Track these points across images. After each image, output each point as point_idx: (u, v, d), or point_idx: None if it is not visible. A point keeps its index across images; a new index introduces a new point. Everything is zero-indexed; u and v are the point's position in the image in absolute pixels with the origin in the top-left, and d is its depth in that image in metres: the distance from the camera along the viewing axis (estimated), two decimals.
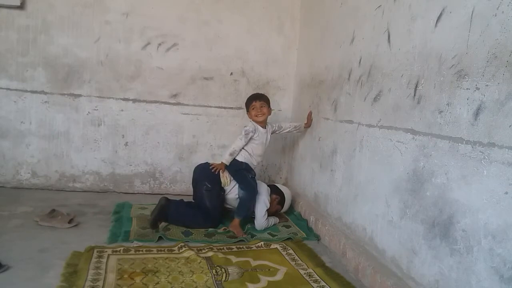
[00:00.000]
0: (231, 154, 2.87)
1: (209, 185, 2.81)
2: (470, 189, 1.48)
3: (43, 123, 3.38)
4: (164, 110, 3.58)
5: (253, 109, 2.91)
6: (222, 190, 2.88)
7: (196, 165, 3.02)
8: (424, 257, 1.72)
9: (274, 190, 3.09)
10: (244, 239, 2.60)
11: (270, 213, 2.97)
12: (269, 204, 2.90)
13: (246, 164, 2.90)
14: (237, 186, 2.87)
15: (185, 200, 2.91)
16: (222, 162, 2.88)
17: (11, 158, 3.36)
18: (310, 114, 3.21)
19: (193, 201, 2.93)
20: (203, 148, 3.70)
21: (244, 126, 2.92)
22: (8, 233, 2.38)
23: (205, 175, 2.86)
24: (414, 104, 1.85)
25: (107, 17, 3.39)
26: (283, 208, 3.15)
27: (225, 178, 2.86)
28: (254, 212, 2.87)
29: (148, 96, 3.54)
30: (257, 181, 2.96)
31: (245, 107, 3.04)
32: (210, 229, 2.73)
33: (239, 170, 2.86)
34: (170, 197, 2.83)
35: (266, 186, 3.01)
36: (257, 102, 2.92)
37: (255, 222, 2.85)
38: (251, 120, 2.96)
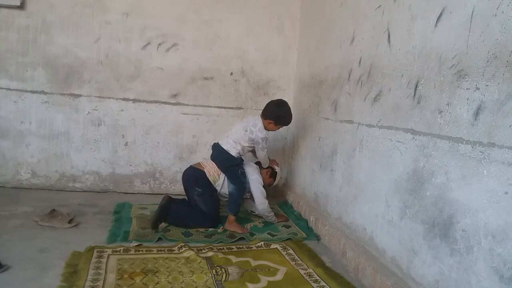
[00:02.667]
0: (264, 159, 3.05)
1: (199, 190, 2.80)
2: (470, 189, 1.48)
3: (43, 123, 3.38)
4: (164, 110, 3.58)
5: (278, 128, 2.98)
6: (214, 190, 2.86)
7: (182, 172, 2.98)
8: (424, 257, 1.72)
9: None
10: (244, 237, 2.60)
11: (264, 186, 2.99)
12: (262, 181, 2.96)
13: (240, 159, 2.94)
14: (226, 179, 2.87)
15: (186, 200, 2.91)
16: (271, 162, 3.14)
17: (11, 158, 3.36)
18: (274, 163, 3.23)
19: None
20: (203, 148, 3.69)
21: (264, 136, 2.87)
22: (8, 233, 2.38)
23: (193, 181, 2.85)
24: (414, 104, 1.85)
25: (107, 17, 3.39)
26: (275, 180, 3.22)
27: (212, 176, 2.85)
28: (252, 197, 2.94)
29: (148, 96, 3.54)
30: (245, 163, 3.01)
31: (274, 117, 2.86)
32: (210, 230, 2.73)
33: (232, 166, 2.87)
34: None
35: (254, 165, 3.06)
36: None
37: (255, 202, 2.89)
38: (265, 126, 2.88)
